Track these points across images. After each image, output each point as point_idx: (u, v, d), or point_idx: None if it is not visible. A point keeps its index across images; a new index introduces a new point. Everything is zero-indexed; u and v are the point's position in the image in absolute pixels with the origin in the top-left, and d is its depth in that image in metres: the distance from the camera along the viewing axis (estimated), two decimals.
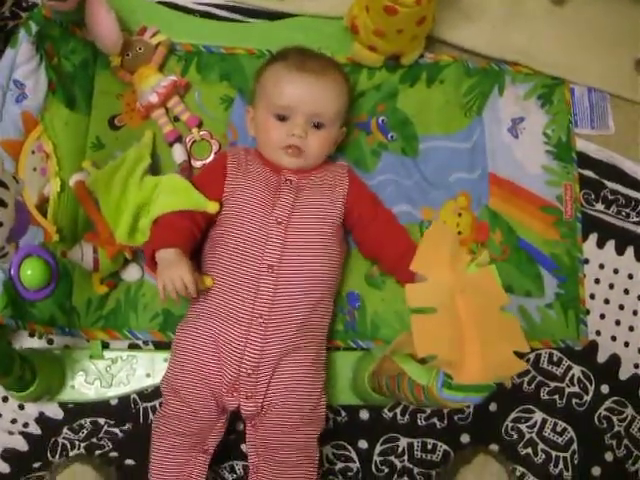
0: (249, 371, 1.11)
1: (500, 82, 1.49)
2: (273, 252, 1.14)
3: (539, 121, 1.50)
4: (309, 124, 1.22)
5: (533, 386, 1.38)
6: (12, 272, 1.10)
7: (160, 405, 1.18)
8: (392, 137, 1.44)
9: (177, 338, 1.18)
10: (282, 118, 1.22)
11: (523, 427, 1.36)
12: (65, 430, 1.25)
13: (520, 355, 0.83)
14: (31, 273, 1.12)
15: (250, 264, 1.14)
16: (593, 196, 1.49)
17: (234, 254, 1.15)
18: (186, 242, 1.15)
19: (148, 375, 1.26)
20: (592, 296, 1.44)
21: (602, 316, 1.44)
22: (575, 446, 1.37)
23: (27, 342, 1.25)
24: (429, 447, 1.32)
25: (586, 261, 1.45)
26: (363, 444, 1.30)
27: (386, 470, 1.31)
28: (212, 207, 1.18)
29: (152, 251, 1.13)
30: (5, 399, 1.25)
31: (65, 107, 1.27)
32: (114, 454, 1.25)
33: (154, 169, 1.31)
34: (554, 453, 1.36)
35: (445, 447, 1.32)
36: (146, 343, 1.29)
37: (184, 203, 1.17)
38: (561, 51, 1.54)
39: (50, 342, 1.27)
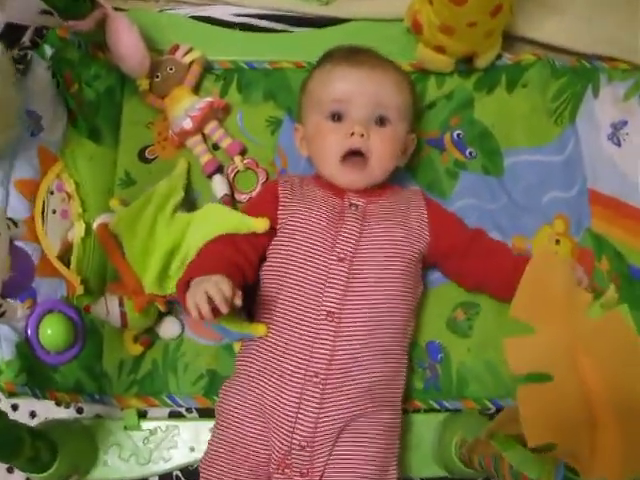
0: (303, 443, 0.95)
1: (594, 82, 1.31)
2: (333, 296, 0.98)
3: None
4: (371, 120, 1.07)
5: None
6: (29, 332, 1.01)
7: None
8: (471, 154, 1.29)
9: (219, 403, 1.03)
10: (338, 117, 1.07)
11: None
12: None
13: None
14: (51, 333, 1.02)
15: (305, 311, 0.98)
16: None
17: (287, 300, 1.00)
18: (229, 273, 0.94)
19: (192, 449, 1.12)
20: None
21: None
22: None
23: (53, 412, 1.14)
24: None
25: None
26: None
27: None
28: (260, 225, 1.02)
29: (186, 283, 0.94)
30: None
31: (88, 140, 1.19)
32: None
33: (192, 206, 1.20)
34: None
35: None
36: (189, 410, 1.16)
37: (224, 226, 1.03)
38: None
39: (80, 411, 1.16)
